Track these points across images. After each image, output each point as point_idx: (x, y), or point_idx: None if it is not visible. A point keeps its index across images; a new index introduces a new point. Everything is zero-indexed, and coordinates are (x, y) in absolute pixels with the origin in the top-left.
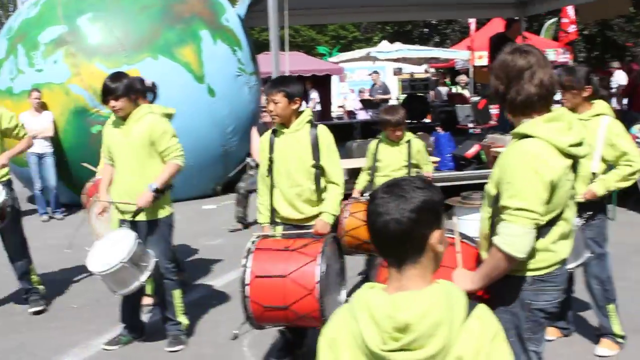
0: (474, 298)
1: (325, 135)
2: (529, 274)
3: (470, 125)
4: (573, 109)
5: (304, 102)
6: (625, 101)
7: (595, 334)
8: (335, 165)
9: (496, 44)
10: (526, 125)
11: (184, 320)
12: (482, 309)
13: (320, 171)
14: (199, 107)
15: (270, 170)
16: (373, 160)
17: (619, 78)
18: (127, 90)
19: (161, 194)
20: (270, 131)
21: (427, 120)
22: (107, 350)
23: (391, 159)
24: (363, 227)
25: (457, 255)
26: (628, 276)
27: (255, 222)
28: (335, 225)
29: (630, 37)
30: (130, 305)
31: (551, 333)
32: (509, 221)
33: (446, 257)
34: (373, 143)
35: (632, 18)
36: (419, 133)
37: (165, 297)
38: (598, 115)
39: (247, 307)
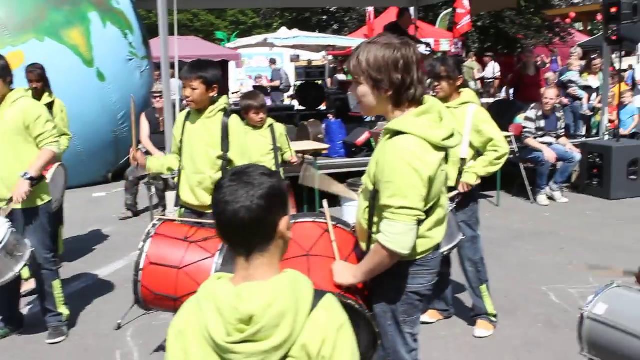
0: (353, 289)
1: (235, 126)
2: (404, 259)
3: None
4: (444, 99)
5: None
6: (511, 91)
7: (471, 316)
8: (242, 157)
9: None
10: (398, 122)
11: (64, 311)
12: (329, 299)
13: (227, 162)
14: (88, 92)
15: (181, 150)
16: None
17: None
18: (1, 72)
19: (37, 182)
20: (186, 111)
21: (323, 107)
22: None
23: (257, 144)
24: None
25: (333, 245)
26: (510, 260)
27: (145, 210)
28: None
29: (521, 30)
30: (6, 296)
31: (432, 315)
32: (392, 219)
33: (322, 247)
34: None
35: (523, 12)
36: (310, 120)
37: (44, 288)
38: (466, 103)
39: (138, 291)
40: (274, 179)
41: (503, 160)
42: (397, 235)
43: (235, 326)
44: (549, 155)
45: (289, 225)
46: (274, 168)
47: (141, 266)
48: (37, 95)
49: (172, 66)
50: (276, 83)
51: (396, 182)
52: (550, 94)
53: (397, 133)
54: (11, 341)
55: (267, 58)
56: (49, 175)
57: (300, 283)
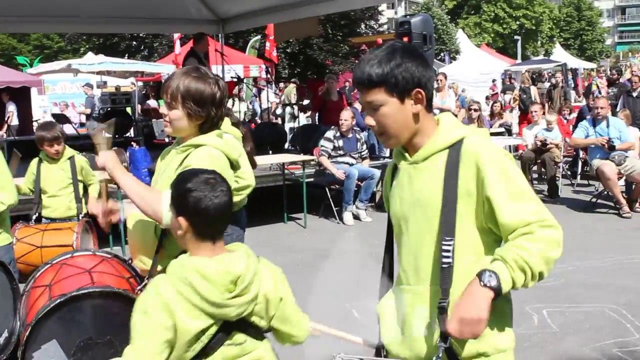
0: None
1: None
2: None
3: (167, 139)
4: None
5: None
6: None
7: None
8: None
9: (186, 59)
10: (203, 138)
11: None
12: (263, 260)
13: None
14: None
15: None
16: (35, 181)
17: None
18: None
19: None
20: None
21: (131, 134)
22: None
23: (55, 177)
24: (35, 252)
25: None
26: (312, 282)
27: None
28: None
29: (329, 56)
30: None
31: None
32: None
33: (102, 267)
34: (33, 163)
35: (330, 39)
36: (114, 148)
37: None
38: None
39: None
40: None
41: (247, 191)
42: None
43: (227, 286)
44: (337, 173)
45: None
46: (73, 202)
47: None
48: None
49: None
50: (88, 110)
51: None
52: (345, 116)
53: (199, 147)
54: None
55: (72, 84)
56: None
57: (250, 252)
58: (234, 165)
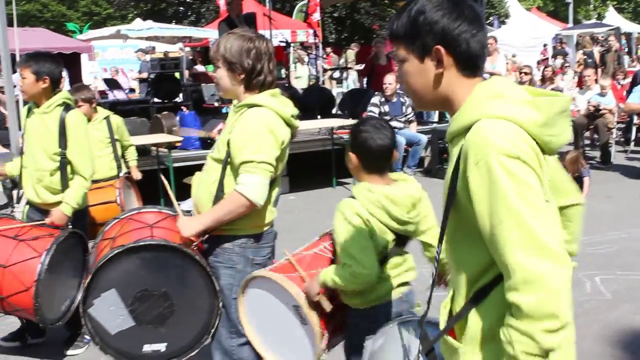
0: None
1: (72, 122)
2: (254, 231)
3: (216, 104)
4: None
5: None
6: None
7: None
8: (80, 155)
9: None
10: (254, 98)
11: None
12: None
13: (66, 160)
14: None
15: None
16: None
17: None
18: None
19: None
20: (27, 107)
21: (179, 99)
22: None
23: (93, 139)
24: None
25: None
26: None
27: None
28: (81, 218)
29: (376, 20)
30: None
31: None
32: (252, 172)
33: (165, 223)
34: None
35: (377, 3)
36: (163, 113)
37: None
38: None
39: None
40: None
41: None
42: (256, 186)
43: (408, 207)
44: None
45: None
46: (113, 162)
47: None
48: None
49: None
50: (144, 75)
51: (256, 141)
52: (388, 79)
53: (254, 106)
54: None
55: (121, 50)
56: None
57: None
58: (290, 124)
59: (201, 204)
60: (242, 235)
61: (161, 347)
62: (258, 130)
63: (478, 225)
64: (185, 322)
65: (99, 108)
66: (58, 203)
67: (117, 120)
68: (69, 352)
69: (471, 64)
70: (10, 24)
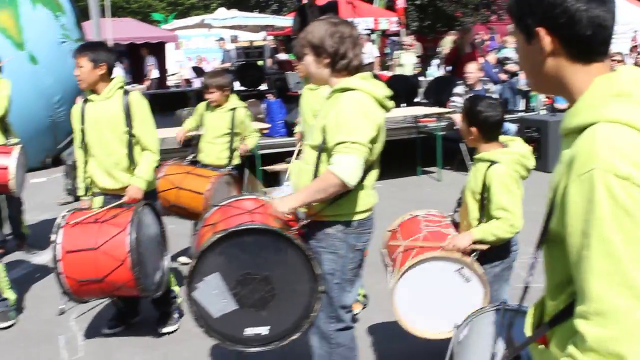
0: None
1: (137, 102)
2: (355, 217)
3: (300, 92)
4: None
5: (117, 69)
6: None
7: None
8: (149, 132)
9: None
10: (346, 81)
11: (10, 295)
12: None
13: (133, 139)
14: (21, 76)
15: (84, 140)
16: (198, 122)
17: None
18: None
19: None
20: (81, 101)
21: (264, 87)
22: None
23: (211, 125)
24: (172, 191)
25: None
26: None
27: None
28: (153, 191)
29: (459, 8)
30: None
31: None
32: (346, 153)
33: (262, 209)
34: (201, 106)
35: None
36: (249, 100)
37: None
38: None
39: (62, 282)
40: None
41: None
42: (349, 166)
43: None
44: None
45: None
46: (224, 152)
47: (59, 257)
48: None
49: None
50: (227, 65)
51: (350, 123)
52: (470, 68)
53: (346, 90)
54: None
55: (205, 39)
56: (13, 157)
57: None
58: (384, 105)
59: (299, 188)
60: (344, 221)
61: (263, 330)
62: (352, 113)
63: (567, 237)
64: (286, 306)
65: (231, 98)
66: None
67: (242, 114)
68: (164, 329)
69: (584, 48)
70: (102, 15)
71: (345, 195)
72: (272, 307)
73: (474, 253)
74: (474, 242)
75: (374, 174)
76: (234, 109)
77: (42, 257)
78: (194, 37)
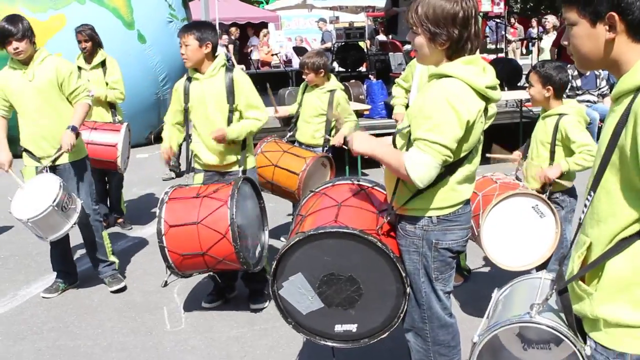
0: (379, 235)
1: (240, 78)
2: (435, 213)
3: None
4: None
5: (221, 48)
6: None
7: None
8: (255, 104)
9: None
10: (446, 66)
11: (115, 259)
12: None
13: (236, 114)
14: (130, 54)
15: (186, 118)
16: (298, 101)
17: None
18: (29, 32)
19: (79, 135)
20: (183, 79)
21: (363, 68)
22: (46, 298)
23: (307, 104)
24: (269, 168)
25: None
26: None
27: (189, 170)
28: (253, 167)
29: None
30: (60, 251)
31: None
32: (423, 151)
33: (355, 200)
34: (303, 85)
35: None
36: (351, 81)
37: (96, 239)
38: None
39: (166, 256)
40: None
41: None
42: (421, 165)
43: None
44: None
45: None
46: (319, 132)
47: (163, 232)
48: (89, 55)
49: None
50: (328, 45)
51: (435, 118)
52: None
53: (443, 77)
54: (62, 297)
55: (305, 19)
56: (121, 134)
57: None
58: (485, 95)
59: (387, 176)
60: (425, 217)
61: (352, 327)
62: (439, 106)
63: (636, 180)
64: (374, 306)
65: (332, 79)
66: (235, 162)
67: (340, 97)
68: (254, 306)
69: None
70: None
71: (426, 188)
72: (360, 306)
73: (545, 193)
74: (560, 177)
75: (469, 167)
76: (332, 90)
77: (142, 231)
78: (295, 18)
